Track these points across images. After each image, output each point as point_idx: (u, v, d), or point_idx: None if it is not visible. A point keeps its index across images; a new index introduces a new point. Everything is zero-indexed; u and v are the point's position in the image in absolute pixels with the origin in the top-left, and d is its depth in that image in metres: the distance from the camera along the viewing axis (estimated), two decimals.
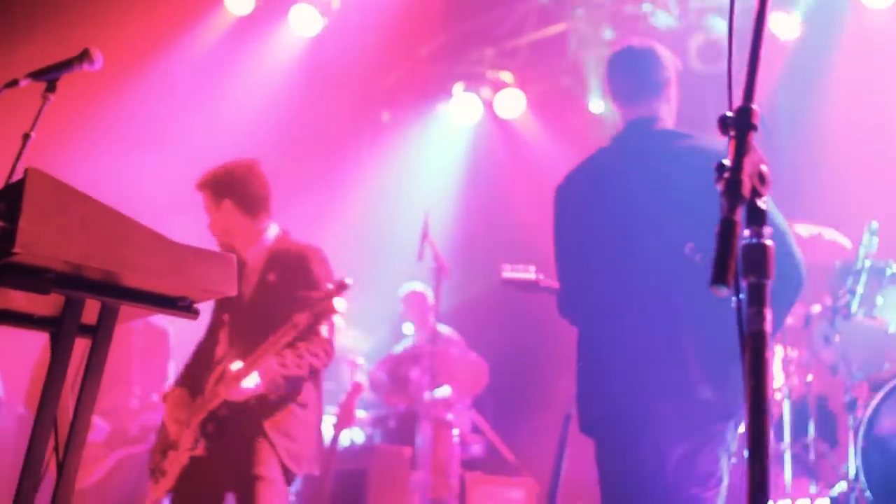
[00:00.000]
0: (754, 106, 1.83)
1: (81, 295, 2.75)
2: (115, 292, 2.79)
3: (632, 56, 4.30)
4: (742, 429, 3.92)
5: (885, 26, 7.68)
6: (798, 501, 5.82)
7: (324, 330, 5.07)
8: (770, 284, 1.82)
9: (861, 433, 5.30)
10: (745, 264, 1.81)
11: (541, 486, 7.94)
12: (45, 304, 2.95)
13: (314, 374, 5.07)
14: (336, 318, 5.17)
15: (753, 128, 1.81)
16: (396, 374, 8.16)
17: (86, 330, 2.87)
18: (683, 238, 3.83)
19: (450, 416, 7.80)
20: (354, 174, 9.87)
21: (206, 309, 5.39)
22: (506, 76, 9.82)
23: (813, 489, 5.99)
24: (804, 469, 6.05)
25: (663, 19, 8.52)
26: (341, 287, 4.89)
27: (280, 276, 5.18)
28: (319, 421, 5.27)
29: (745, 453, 1.75)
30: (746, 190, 1.76)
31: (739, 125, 1.81)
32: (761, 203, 1.82)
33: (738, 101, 1.90)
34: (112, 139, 8.59)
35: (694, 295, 3.75)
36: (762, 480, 1.71)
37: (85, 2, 8.14)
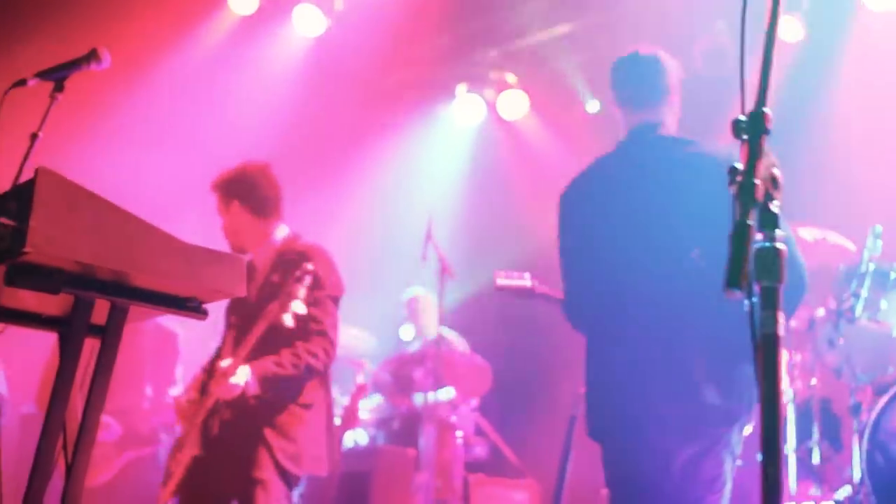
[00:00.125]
0: (767, 110, 1.84)
1: (91, 295, 2.76)
2: (125, 292, 2.80)
3: (637, 62, 4.32)
4: (747, 431, 3.94)
5: (889, 29, 7.68)
6: None
7: (325, 328, 5.06)
8: (783, 288, 1.82)
9: (865, 436, 5.30)
10: (758, 268, 1.81)
11: (544, 487, 7.94)
12: (54, 303, 2.96)
13: (312, 373, 5.05)
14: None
15: (766, 132, 1.82)
16: (400, 376, 8.16)
17: (95, 330, 2.88)
18: (689, 243, 3.87)
19: (453, 418, 7.81)
20: (357, 175, 9.86)
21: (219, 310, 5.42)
22: (509, 77, 9.82)
23: (817, 492, 5.99)
24: (808, 472, 6.06)
25: None
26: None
27: (283, 276, 5.18)
28: (327, 421, 5.25)
29: (759, 456, 1.75)
30: (760, 194, 1.76)
31: (752, 129, 1.82)
32: (774, 207, 1.83)
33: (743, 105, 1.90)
34: (115, 139, 8.60)
35: (700, 300, 3.81)
36: (776, 483, 1.72)
37: (89, 1, 8.14)
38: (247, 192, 5.34)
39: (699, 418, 3.84)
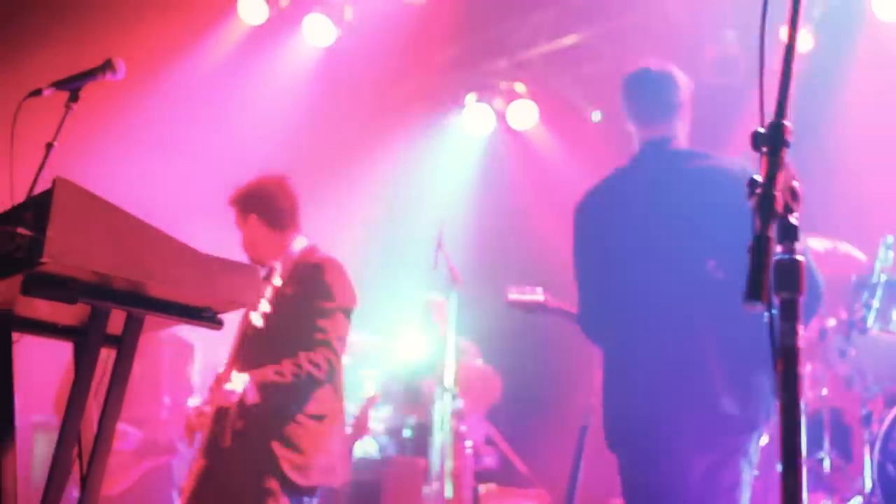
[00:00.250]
0: (787, 122, 1.84)
1: (108, 305, 2.77)
2: (141, 302, 2.81)
3: (648, 78, 4.35)
4: (764, 441, 3.96)
5: None
6: None
7: (329, 338, 5.06)
8: (803, 300, 1.83)
9: (877, 447, 5.30)
10: (777, 280, 1.82)
11: (554, 497, 7.94)
12: (69, 313, 2.97)
13: (313, 383, 5.03)
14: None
15: (786, 144, 1.83)
16: (410, 385, 8.15)
17: (110, 340, 2.89)
18: (704, 255, 3.91)
19: (463, 428, 7.80)
20: (367, 184, 9.87)
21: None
22: (519, 87, 9.83)
23: (828, 503, 5.98)
24: (819, 482, 6.05)
25: None
26: None
27: (296, 288, 5.19)
28: (337, 431, 5.23)
29: (779, 466, 1.76)
30: (779, 206, 1.77)
31: (772, 141, 1.83)
32: (793, 219, 1.84)
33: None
34: (124, 148, 8.62)
35: (716, 311, 3.87)
36: (796, 493, 1.72)
37: (98, 11, 8.16)
38: (264, 205, 5.35)
39: (717, 428, 3.87)
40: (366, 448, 7.95)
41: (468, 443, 7.85)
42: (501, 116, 9.97)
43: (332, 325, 5.08)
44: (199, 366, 7.31)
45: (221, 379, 4.88)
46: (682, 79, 4.33)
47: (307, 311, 5.10)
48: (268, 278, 4.87)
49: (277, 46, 9.33)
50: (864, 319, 5.64)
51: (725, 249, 3.79)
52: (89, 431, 2.95)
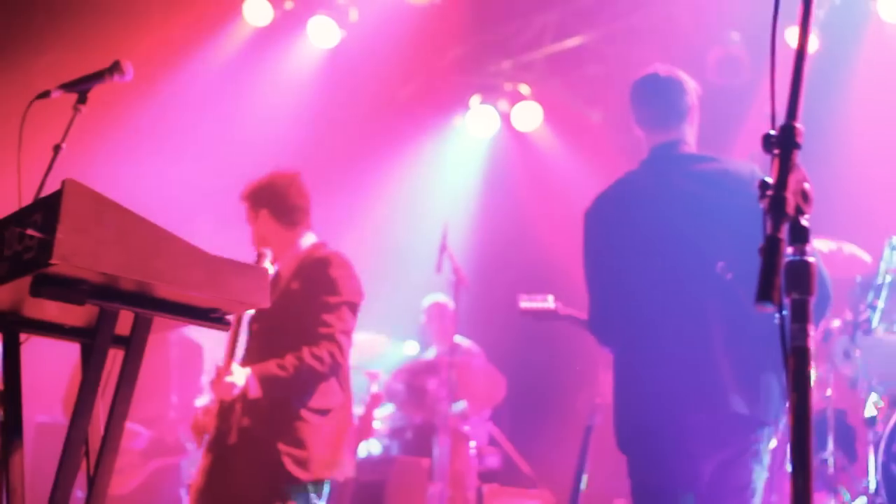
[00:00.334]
0: (798, 124, 1.85)
1: (116, 306, 2.77)
2: (149, 303, 2.82)
3: (656, 84, 4.39)
4: (773, 444, 3.99)
5: None
6: None
7: (333, 332, 5.06)
8: (813, 301, 1.84)
9: (881, 448, 5.31)
10: (788, 281, 1.83)
11: (557, 497, 7.95)
12: (77, 314, 2.98)
13: (316, 377, 5.02)
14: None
15: (797, 146, 1.84)
16: (414, 386, 8.16)
17: (118, 340, 2.89)
18: (713, 257, 3.95)
19: (466, 428, 7.82)
20: (371, 185, 9.88)
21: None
22: (523, 89, 9.84)
23: (832, 503, 5.99)
24: (823, 483, 6.05)
25: None
26: None
27: (302, 283, 5.20)
28: (342, 425, 5.22)
29: (788, 467, 1.77)
30: (791, 208, 1.78)
31: (784, 143, 1.84)
32: (804, 221, 1.85)
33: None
34: (130, 149, 8.63)
35: (726, 312, 3.95)
36: (805, 493, 1.73)
37: (103, 12, 8.18)
38: (276, 201, 5.36)
39: (726, 426, 3.92)
40: (370, 448, 7.96)
41: (472, 443, 7.86)
42: (506, 118, 9.99)
43: (336, 318, 5.09)
44: (208, 366, 7.33)
45: (222, 372, 4.88)
46: (690, 83, 4.38)
47: (312, 305, 5.11)
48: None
49: (282, 48, 9.34)
50: (868, 320, 5.66)
51: (734, 251, 3.86)
52: (97, 432, 2.96)
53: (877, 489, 5.28)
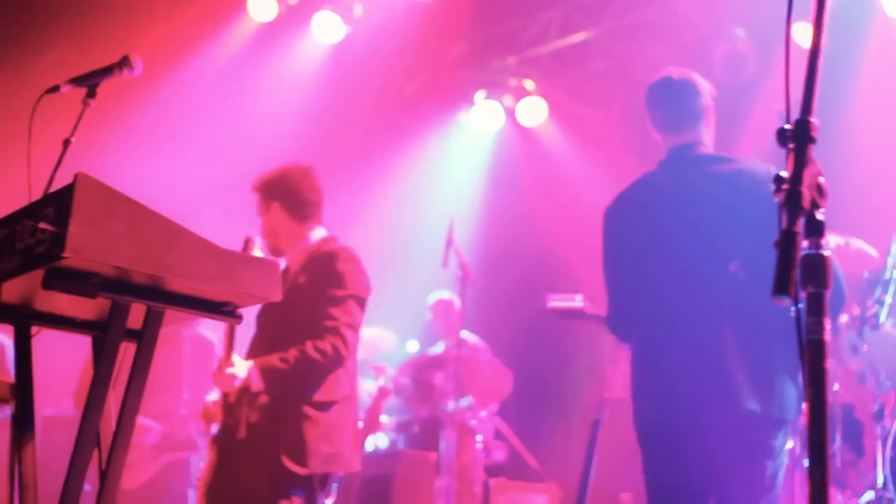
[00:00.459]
0: (813, 119, 1.86)
1: (128, 299, 2.78)
2: (161, 297, 2.82)
3: (671, 87, 4.45)
4: (790, 444, 4.05)
5: None
6: None
7: (338, 325, 5.05)
8: (829, 295, 1.86)
9: (889, 442, 5.31)
10: (804, 275, 1.84)
11: (564, 491, 7.97)
12: (88, 307, 2.99)
13: (318, 370, 5.00)
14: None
15: (812, 140, 1.85)
16: (420, 380, 8.18)
17: (130, 334, 2.90)
18: (730, 257, 4.04)
19: (473, 423, 7.83)
20: (376, 181, 9.89)
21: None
22: (528, 84, 9.84)
23: (840, 498, 5.99)
24: (832, 478, 6.04)
25: None
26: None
27: (309, 277, 5.21)
28: (347, 419, 5.20)
29: (805, 462, 1.77)
30: (806, 201, 1.79)
31: (799, 137, 1.85)
32: (820, 215, 1.86)
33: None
34: (135, 144, 8.64)
35: (741, 312, 4.02)
36: (823, 488, 1.74)
37: (107, 9, 8.18)
38: (289, 194, 5.36)
39: (742, 426, 3.97)
40: (376, 442, 7.97)
41: (478, 437, 7.87)
42: (511, 113, 9.98)
43: (342, 312, 5.08)
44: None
45: (223, 364, 4.88)
46: (704, 85, 4.44)
47: (319, 299, 5.11)
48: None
49: (287, 44, 9.35)
50: (876, 315, 5.67)
51: (750, 251, 3.94)
52: (108, 425, 2.97)
53: (884, 484, 5.29)
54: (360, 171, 9.71)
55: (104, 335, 2.85)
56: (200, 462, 6.24)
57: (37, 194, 3.05)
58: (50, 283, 2.64)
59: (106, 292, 2.72)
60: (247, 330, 5.10)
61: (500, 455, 8.35)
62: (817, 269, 1.84)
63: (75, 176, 2.61)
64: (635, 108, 4.68)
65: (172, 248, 2.72)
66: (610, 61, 9.35)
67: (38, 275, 2.65)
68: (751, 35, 8.39)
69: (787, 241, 1.74)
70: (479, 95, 9.99)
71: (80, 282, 2.67)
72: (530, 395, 9.02)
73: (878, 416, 5.61)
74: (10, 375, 3.42)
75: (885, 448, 5.33)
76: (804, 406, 1.88)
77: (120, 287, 2.75)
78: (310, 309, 5.09)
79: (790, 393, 4.00)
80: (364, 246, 5.70)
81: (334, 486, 5.15)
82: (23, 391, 3.15)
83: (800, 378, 3.98)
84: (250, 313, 5.05)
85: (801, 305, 1.84)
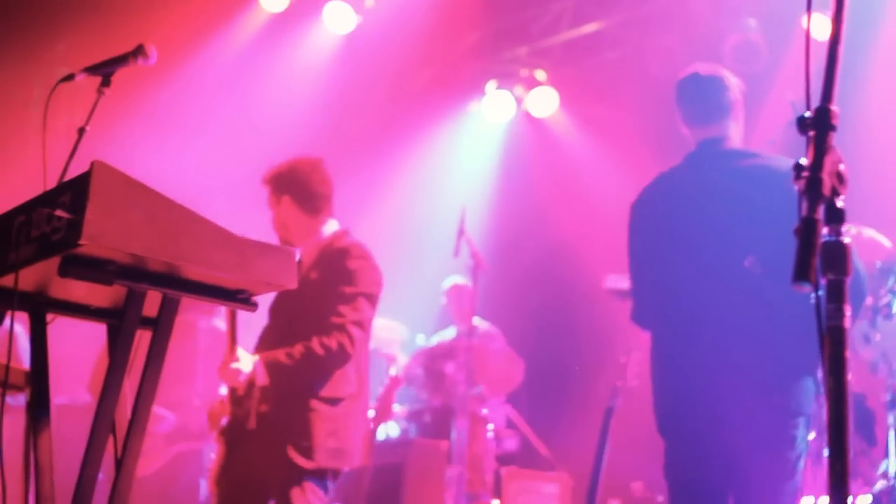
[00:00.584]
0: (833, 107, 1.86)
1: (144, 287, 2.78)
2: (177, 284, 2.82)
3: (699, 83, 4.53)
4: (812, 436, 4.08)
5: None
6: None
7: (345, 322, 5.04)
8: (849, 282, 1.86)
9: None
10: (824, 262, 1.85)
11: (575, 480, 7.97)
12: (104, 295, 3.00)
13: (323, 366, 5.00)
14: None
15: (833, 128, 1.85)
16: (432, 369, 8.18)
17: (145, 322, 2.90)
18: (747, 250, 4.09)
19: (485, 411, 7.84)
20: (388, 171, 9.89)
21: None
22: (539, 74, 9.83)
23: (851, 486, 5.98)
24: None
25: None
26: None
27: (321, 273, 5.20)
28: (354, 415, 5.19)
29: (825, 452, 1.77)
30: (827, 189, 1.79)
31: (819, 125, 1.85)
32: (840, 202, 1.86)
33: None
34: (147, 133, 8.66)
35: (759, 306, 4.08)
36: (843, 477, 1.74)
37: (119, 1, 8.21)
38: (298, 187, 5.34)
39: (763, 417, 4.02)
40: (388, 431, 7.98)
41: (490, 426, 7.88)
42: (522, 103, 9.98)
43: (350, 309, 5.07)
44: None
45: (227, 359, 4.89)
46: (732, 80, 4.52)
47: (329, 295, 5.11)
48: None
49: (298, 34, 9.36)
50: (889, 305, 5.65)
51: (768, 245, 3.99)
52: (123, 413, 2.97)
53: None
54: (371, 161, 9.72)
55: (120, 323, 2.84)
56: (212, 453, 6.25)
57: (52, 182, 3.05)
58: (66, 270, 2.64)
59: (122, 280, 2.72)
60: (247, 327, 5.10)
61: (511, 444, 8.36)
62: (837, 256, 1.85)
63: (92, 163, 2.61)
64: (647, 98, 4.73)
65: (188, 236, 2.73)
66: (621, 52, 9.33)
67: (54, 262, 2.66)
68: (762, 25, 8.37)
69: (807, 228, 1.74)
70: (491, 86, 9.99)
71: (97, 269, 2.67)
72: (542, 384, 9.03)
73: (890, 405, 5.60)
74: (23, 363, 3.43)
75: None
76: (823, 397, 1.87)
77: (136, 274, 2.75)
78: (319, 305, 5.09)
79: (808, 386, 4.06)
80: (375, 236, 5.71)
81: (334, 481, 5.14)
82: (38, 378, 3.16)
83: (818, 372, 4.01)
84: (264, 303, 5.04)
85: (820, 293, 1.85)
